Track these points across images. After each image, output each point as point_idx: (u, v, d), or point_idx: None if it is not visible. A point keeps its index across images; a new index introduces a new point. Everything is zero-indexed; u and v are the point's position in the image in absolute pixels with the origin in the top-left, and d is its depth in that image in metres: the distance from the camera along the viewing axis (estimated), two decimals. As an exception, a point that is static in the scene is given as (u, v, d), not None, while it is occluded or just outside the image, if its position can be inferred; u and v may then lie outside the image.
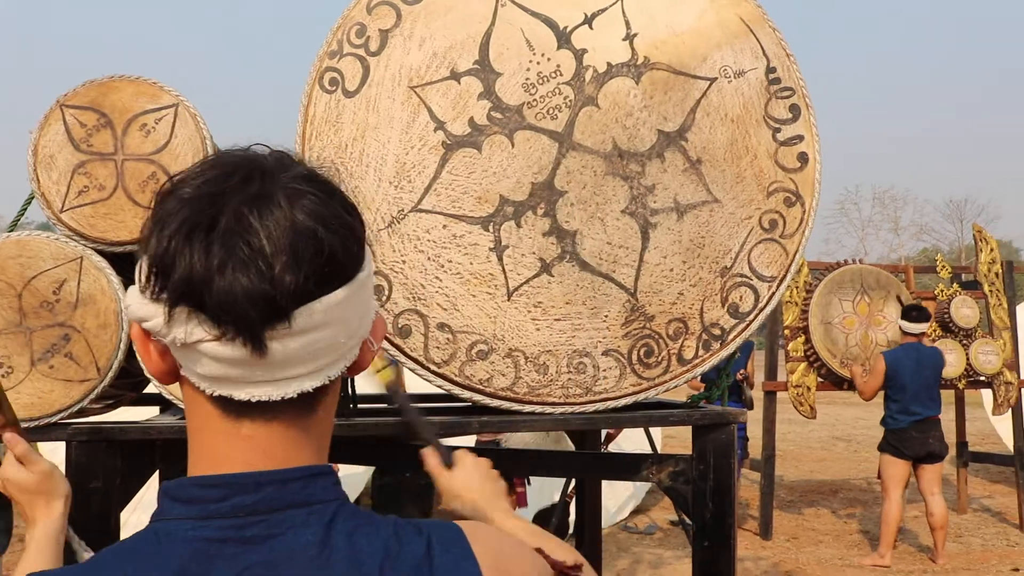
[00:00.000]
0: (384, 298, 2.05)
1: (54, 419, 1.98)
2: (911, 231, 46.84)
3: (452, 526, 0.96)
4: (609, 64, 2.15)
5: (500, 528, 1.25)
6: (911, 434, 6.93)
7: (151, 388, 2.32)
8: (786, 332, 7.71)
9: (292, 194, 0.85)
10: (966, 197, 59.12)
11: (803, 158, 2.19)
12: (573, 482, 5.23)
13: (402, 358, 2.07)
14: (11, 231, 2.11)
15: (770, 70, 2.21)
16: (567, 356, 2.06)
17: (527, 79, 2.12)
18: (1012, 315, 8.41)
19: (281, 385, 0.87)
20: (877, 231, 49.04)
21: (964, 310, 8.12)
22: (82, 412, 2.04)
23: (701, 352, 2.11)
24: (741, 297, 2.14)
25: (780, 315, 7.78)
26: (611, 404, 2.07)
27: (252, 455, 0.89)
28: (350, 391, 2.19)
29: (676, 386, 2.12)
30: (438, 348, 2.05)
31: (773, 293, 2.15)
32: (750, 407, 7.92)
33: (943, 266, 8.51)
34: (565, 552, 1.23)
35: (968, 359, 7.93)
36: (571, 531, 5.81)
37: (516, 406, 2.05)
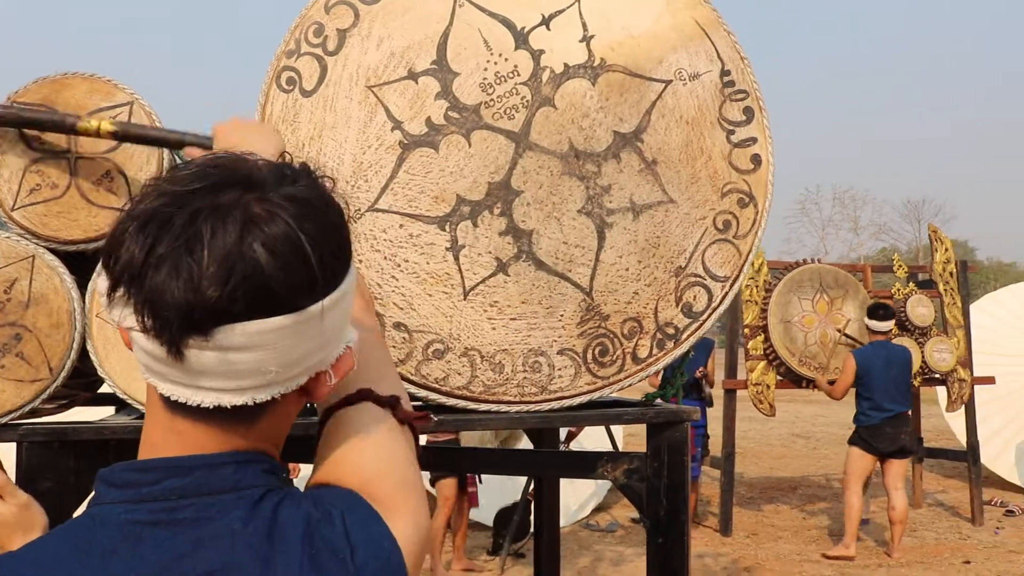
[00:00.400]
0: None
1: (5, 420, 1.96)
2: (870, 231, 47.46)
3: (349, 493, 0.97)
4: (566, 65, 2.17)
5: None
6: (884, 430, 7.06)
7: (106, 388, 2.30)
8: (746, 331, 7.80)
9: (260, 213, 0.84)
10: (923, 198, 60.13)
11: (756, 160, 2.22)
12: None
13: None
14: (-39, 229, 2.08)
15: (724, 73, 2.24)
16: (523, 355, 2.08)
17: (484, 79, 2.14)
18: (966, 314, 8.57)
19: (198, 392, 0.87)
20: (837, 231, 49.61)
21: (920, 309, 8.26)
22: (34, 412, 2.02)
23: (655, 351, 2.14)
24: (695, 297, 2.16)
25: (740, 314, 7.87)
26: (566, 403, 2.09)
27: (184, 447, 0.91)
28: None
29: (630, 385, 2.14)
30: (394, 347, 2.05)
31: (726, 293, 2.18)
32: (709, 405, 8.00)
33: (900, 266, 8.65)
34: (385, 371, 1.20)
35: (923, 357, 8.07)
36: (532, 529, 5.84)
37: (472, 405, 2.06)
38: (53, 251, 2.04)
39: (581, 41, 2.18)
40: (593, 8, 2.20)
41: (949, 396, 8.37)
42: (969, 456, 8.57)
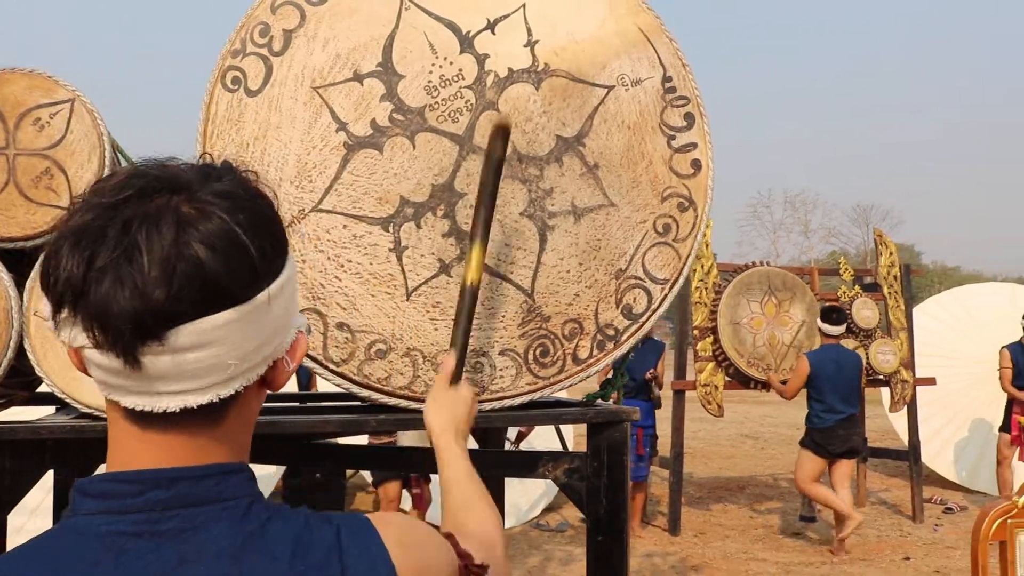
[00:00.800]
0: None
1: (-61, 419, 1.93)
2: (820, 234, 48.26)
3: (359, 516, 0.99)
4: (510, 69, 2.19)
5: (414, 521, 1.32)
6: (837, 432, 7.19)
7: (44, 388, 2.27)
8: (695, 332, 7.90)
9: (191, 212, 0.85)
10: (872, 203, 61.27)
11: (696, 165, 2.27)
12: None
13: (302, 357, 2.08)
14: None
15: (666, 79, 2.28)
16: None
17: (429, 82, 2.16)
18: (909, 316, 8.76)
19: (160, 398, 0.87)
20: (788, 234, 50.34)
21: (865, 311, 8.43)
22: (-31, 411, 2.00)
23: (595, 352, 2.18)
24: (635, 299, 2.20)
25: (689, 315, 7.96)
26: (508, 403, 2.12)
27: (159, 456, 0.90)
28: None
29: (571, 385, 2.17)
30: (337, 347, 2.06)
31: (666, 295, 2.22)
32: (658, 406, 8.08)
33: (846, 269, 8.82)
34: (478, 541, 1.27)
35: (868, 358, 8.24)
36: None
37: (414, 404, 2.08)
38: (-10, 249, 2.02)
39: (525, 46, 2.21)
40: (538, 13, 2.23)
41: (892, 397, 8.56)
42: (910, 455, 8.76)
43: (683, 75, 2.30)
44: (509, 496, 7.80)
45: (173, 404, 0.87)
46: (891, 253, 8.92)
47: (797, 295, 8.16)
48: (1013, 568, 3.31)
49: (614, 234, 2.20)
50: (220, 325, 0.86)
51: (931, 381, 8.90)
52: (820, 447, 7.23)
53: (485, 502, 1.45)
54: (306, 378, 7.29)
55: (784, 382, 7.63)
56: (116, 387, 0.88)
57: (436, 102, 2.15)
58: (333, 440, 5.35)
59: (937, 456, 10.07)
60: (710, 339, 7.87)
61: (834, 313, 7.44)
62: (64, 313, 0.85)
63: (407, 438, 6.42)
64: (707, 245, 8.04)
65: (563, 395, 2.33)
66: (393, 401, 2.08)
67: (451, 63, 2.17)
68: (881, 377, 8.37)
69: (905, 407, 8.60)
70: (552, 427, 7.44)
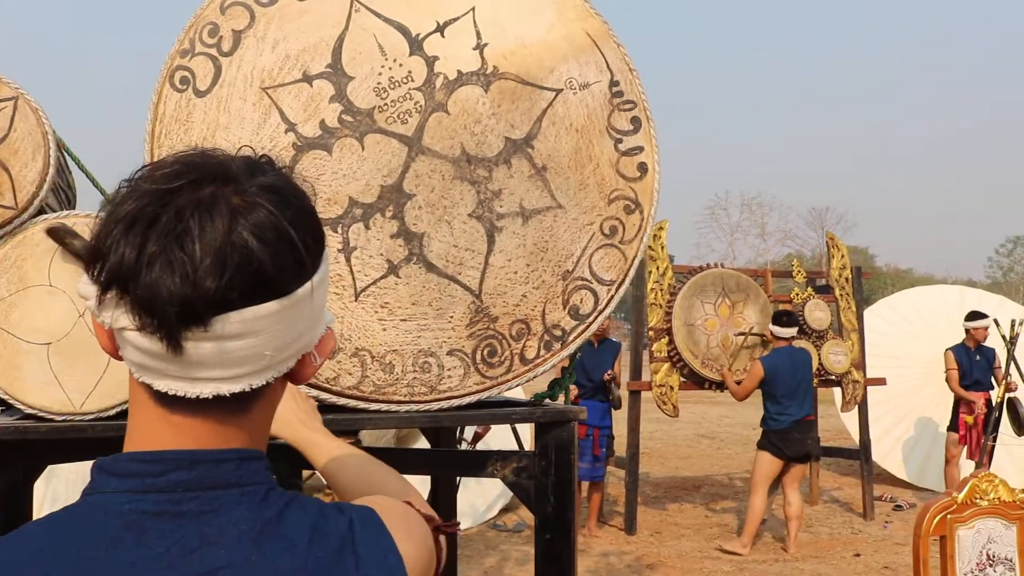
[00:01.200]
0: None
1: None
2: (777, 236, 48.84)
3: (366, 507, 1.01)
4: (459, 72, 2.21)
5: (348, 455, 1.43)
6: (793, 435, 7.30)
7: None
8: (650, 333, 7.97)
9: (241, 204, 0.87)
10: (827, 205, 62.17)
11: (643, 168, 2.30)
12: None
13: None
14: None
15: (613, 83, 2.32)
16: (413, 355, 2.12)
17: (379, 84, 2.17)
18: (860, 318, 8.92)
19: (196, 384, 0.89)
20: (745, 236, 50.90)
21: (817, 313, 8.57)
22: (-91, 413, 1.97)
23: (543, 352, 2.20)
24: (582, 300, 2.23)
25: (645, 317, 8.04)
26: (455, 402, 2.14)
27: (182, 440, 0.91)
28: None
29: (518, 384, 2.20)
30: (286, 347, 2.06)
31: (612, 296, 2.26)
32: (617, 406, 8.13)
33: (799, 271, 8.95)
34: (416, 494, 1.31)
35: (820, 359, 8.37)
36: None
37: (362, 404, 2.09)
38: (-69, 248, 1.99)
39: (475, 49, 2.23)
40: (487, 17, 2.26)
41: (843, 397, 8.71)
42: (861, 454, 8.92)
43: (630, 79, 2.34)
44: (466, 497, 7.85)
45: (207, 390, 0.90)
46: (842, 256, 9.08)
47: (751, 297, 8.28)
48: (952, 562, 3.40)
49: (561, 236, 2.23)
50: (263, 316, 0.88)
51: (881, 381, 9.07)
52: (778, 449, 7.34)
53: (379, 465, 1.45)
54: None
55: (739, 382, 7.74)
56: (152, 370, 0.89)
57: (385, 104, 2.16)
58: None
59: (887, 455, 10.27)
60: (665, 340, 7.95)
61: (785, 316, 7.55)
62: (110, 295, 0.86)
63: (368, 440, 6.42)
64: (662, 247, 8.12)
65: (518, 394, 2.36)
66: (342, 401, 2.09)
67: (400, 65, 2.19)
68: (833, 377, 8.52)
69: (856, 407, 8.76)
70: (509, 429, 7.46)
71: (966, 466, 8.80)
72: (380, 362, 2.10)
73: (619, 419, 8.34)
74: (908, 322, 11.18)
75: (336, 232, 2.10)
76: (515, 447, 7.56)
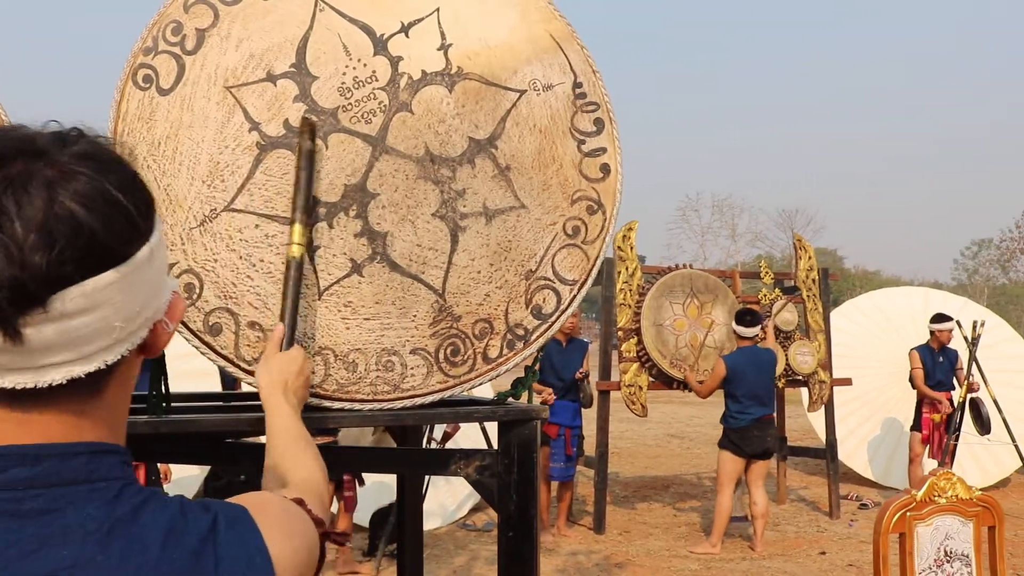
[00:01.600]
0: (195, 296, 2.05)
1: None
2: (747, 238, 49.28)
3: (237, 506, 0.97)
4: (424, 72, 2.22)
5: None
6: (752, 433, 7.37)
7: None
8: (619, 333, 8.01)
9: (57, 175, 0.83)
10: (797, 207, 62.75)
11: (605, 169, 2.33)
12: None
13: (213, 356, 2.08)
14: None
15: (577, 85, 2.34)
16: (376, 354, 2.12)
17: (343, 83, 2.17)
18: (826, 319, 9.03)
19: (45, 372, 0.84)
20: (716, 237, 51.28)
21: (784, 314, 8.66)
22: None
23: (505, 351, 2.22)
24: (544, 299, 2.25)
25: (614, 317, 8.08)
26: (418, 401, 2.15)
27: (28, 434, 0.86)
28: (164, 390, 2.17)
29: (481, 384, 2.21)
30: (249, 346, 2.07)
31: (575, 296, 2.28)
32: (588, 404, 8.15)
33: (767, 272, 9.04)
34: (311, 493, 1.27)
35: (787, 360, 8.47)
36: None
37: (325, 403, 2.09)
38: None
39: (439, 49, 2.25)
40: (451, 18, 2.27)
41: (810, 397, 8.81)
42: (828, 453, 9.03)
43: (593, 81, 2.36)
44: (436, 496, 7.85)
45: (59, 376, 0.84)
46: (810, 257, 9.18)
47: (719, 297, 8.35)
48: (911, 559, 3.46)
49: (524, 236, 2.25)
50: (105, 286, 0.84)
51: (847, 382, 9.19)
52: (737, 447, 7.42)
53: (311, 452, 1.46)
54: (232, 379, 7.19)
55: (701, 382, 7.80)
56: None
57: (350, 103, 2.17)
58: (258, 440, 5.31)
59: (853, 454, 10.39)
60: (634, 340, 8.00)
61: (748, 315, 7.62)
62: None
63: (348, 440, 6.41)
64: (632, 248, 8.17)
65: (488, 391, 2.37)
66: (305, 400, 2.09)
67: (365, 65, 2.19)
68: (800, 378, 8.61)
69: (823, 407, 8.86)
70: (479, 429, 7.47)
71: (929, 465, 8.93)
72: (343, 361, 2.10)
73: (589, 419, 8.37)
74: (874, 323, 11.32)
75: (299, 231, 2.10)
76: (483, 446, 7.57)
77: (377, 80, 2.19)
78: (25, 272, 0.79)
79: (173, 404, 2.19)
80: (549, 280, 2.26)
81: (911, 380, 9.25)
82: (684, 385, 8.06)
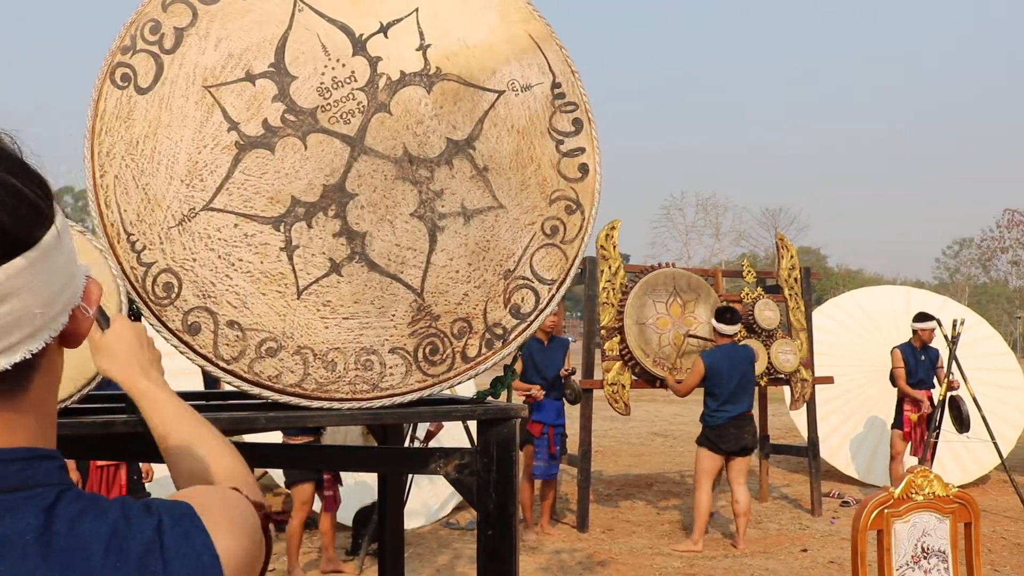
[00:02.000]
0: (174, 295, 2.06)
1: None
2: (731, 237, 49.49)
3: (182, 505, 0.94)
4: (402, 73, 2.23)
5: (198, 448, 1.28)
6: (729, 430, 7.40)
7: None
8: (602, 332, 8.03)
9: None
10: (780, 207, 63.07)
11: (584, 169, 2.34)
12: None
13: (191, 355, 2.08)
14: None
15: (555, 85, 2.35)
16: (355, 353, 2.13)
17: (322, 83, 2.18)
18: (808, 318, 9.07)
19: None
20: (700, 236, 51.44)
21: (766, 312, 8.70)
22: None
23: (484, 350, 2.23)
24: (523, 299, 2.27)
25: (597, 315, 8.10)
26: (397, 400, 2.16)
27: None
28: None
29: (460, 383, 2.23)
30: (227, 345, 2.07)
31: (553, 295, 2.29)
32: (575, 400, 8.15)
33: (749, 271, 9.08)
34: (244, 473, 1.25)
35: (769, 358, 8.51)
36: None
37: (304, 402, 2.10)
38: None
39: (418, 50, 2.26)
40: (430, 18, 2.28)
41: (792, 395, 8.85)
42: (810, 451, 9.08)
43: (572, 82, 2.37)
44: (419, 495, 7.86)
45: None
46: (792, 256, 9.22)
47: (702, 296, 8.38)
48: (889, 555, 3.49)
49: (503, 235, 2.26)
50: (16, 273, 0.81)
51: (829, 380, 9.24)
52: (714, 444, 7.46)
53: (214, 433, 1.34)
54: (214, 378, 7.17)
55: (679, 382, 7.83)
56: None
57: (328, 103, 2.17)
58: (239, 438, 5.31)
59: (835, 452, 10.45)
60: (617, 339, 8.01)
61: (728, 313, 7.65)
62: None
63: (332, 438, 6.42)
64: (614, 247, 8.19)
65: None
66: (284, 399, 2.10)
67: (344, 65, 2.20)
68: (782, 376, 8.66)
69: (805, 405, 8.91)
70: (462, 428, 7.48)
71: (911, 463, 9.00)
72: (322, 360, 2.11)
73: (572, 417, 8.39)
74: (856, 322, 11.39)
75: (279, 231, 2.11)
76: (467, 445, 7.58)
77: (356, 80, 2.20)
78: None
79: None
80: (527, 280, 2.27)
81: (892, 378, 9.32)
82: (665, 383, 8.09)
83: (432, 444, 7.54)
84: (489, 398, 2.38)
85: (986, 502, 9.21)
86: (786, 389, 9.08)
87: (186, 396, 2.92)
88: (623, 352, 8.01)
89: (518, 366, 4.27)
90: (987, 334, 11.53)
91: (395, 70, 2.23)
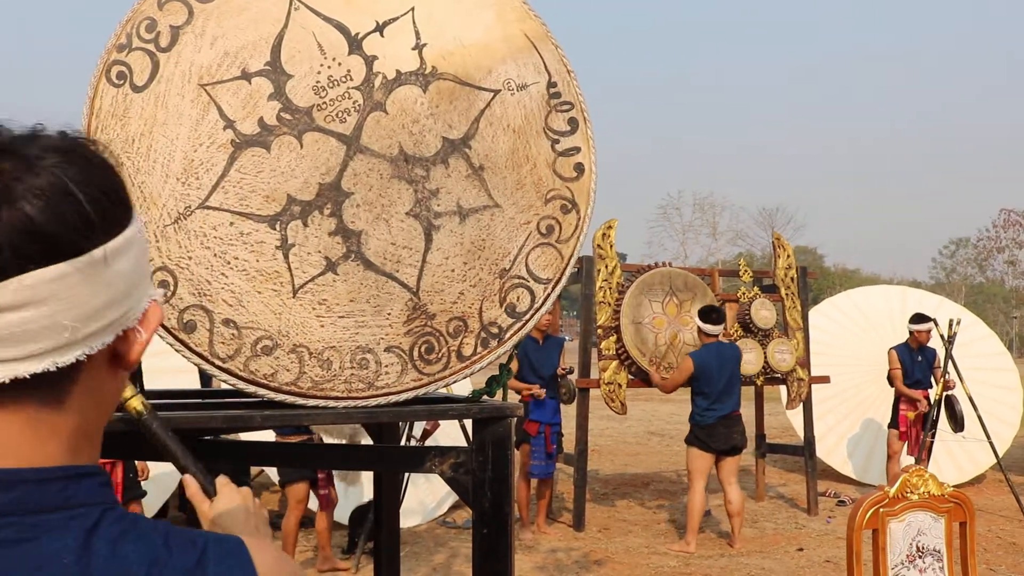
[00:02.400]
0: (170, 294, 2.06)
1: None
2: (728, 236, 49.54)
3: (233, 538, 0.90)
4: (398, 72, 2.23)
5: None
6: (719, 429, 7.41)
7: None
8: (599, 331, 8.04)
9: (10, 169, 0.79)
10: (777, 206, 63.15)
11: (579, 168, 2.34)
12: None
13: (187, 353, 2.08)
14: None
15: (551, 84, 2.35)
16: (350, 352, 2.13)
17: (318, 82, 2.18)
18: (805, 317, 9.09)
19: None
20: (697, 235, 51.50)
21: (763, 312, 8.71)
22: None
23: (480, 349, 2.23)
24: (518, 298, 2.27)
25: (593, 315, 8.10)
26: (393, 398, 2.16)
27: None
28: (140, 387, 2.17)
29: (455, 381, 2.23)
30: (223, 343, 2.07)
31: (548, 294, 2.29)
32: (571, 400, 8.14)
33: (745, 270, 9.09)
34: None
35: (765, 357, 8.52)
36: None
37: (300, 400, 2.10)
38: None
39: (414, 49, 2.26)
40: (426, 17, 2.28)
41: (789, 394, 8.87)
42: (806, 451, 9.09)
43: (568, 81, 2.37)
44: (416, 494, 7.86)
45: (1, 374, 0.79)
46: (788, 256, 9.23)
47: (698, 295, 8.39)
48: (884, 554, 3.50)
49: (498, 234, 2.26)
50: (50, 280, 0.78)
51: (825, 379, 9.25)
52: (704, 443, 7.46)
53: None
54: (208, 377, 7.17)
55: (665, 378, 7.84)
56: None
57: (324, 102, 2.17)
58: (234, 437, 5.30)
59: (831, 451, 10.47)
60: (613, 338, 8.02)
61: (713, 313, 7.65)
62: None
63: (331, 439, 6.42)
64: (611, 246, 8.20)
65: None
66: (279, 397, 2.10)
67: (340, 64, 2.20)
68: (778, 375, 8.67)
69: (801, 404, 8.92)
70: (458, 427, 7.48)
71: (907, 462, 9.01)
72: (318, 358, 2.11)
73: (568, 416, 8.40)
74: (852, 321, 11.40)
75: (274, 229, 2.11)
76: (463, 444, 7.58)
77: (352, 79, 2.20)
78: None
79: (150, 401, 2.18)
80: (523, 279, 2.27)
81: (889, 379, 9.33)
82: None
83: (428, 442, 7.55)
84: (485, 397, 2.38)
85: (981, 501, 9.23)
86: (782, 388, 9.09)
87: (184, 394, 2.93)
88: (619, 351, 8.02)
89: (514, 365, 4.29)
90: (983, 334, 11.55)
91: (391, 69, 2.23)
